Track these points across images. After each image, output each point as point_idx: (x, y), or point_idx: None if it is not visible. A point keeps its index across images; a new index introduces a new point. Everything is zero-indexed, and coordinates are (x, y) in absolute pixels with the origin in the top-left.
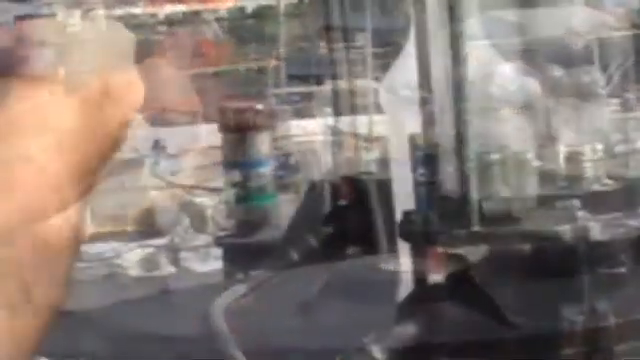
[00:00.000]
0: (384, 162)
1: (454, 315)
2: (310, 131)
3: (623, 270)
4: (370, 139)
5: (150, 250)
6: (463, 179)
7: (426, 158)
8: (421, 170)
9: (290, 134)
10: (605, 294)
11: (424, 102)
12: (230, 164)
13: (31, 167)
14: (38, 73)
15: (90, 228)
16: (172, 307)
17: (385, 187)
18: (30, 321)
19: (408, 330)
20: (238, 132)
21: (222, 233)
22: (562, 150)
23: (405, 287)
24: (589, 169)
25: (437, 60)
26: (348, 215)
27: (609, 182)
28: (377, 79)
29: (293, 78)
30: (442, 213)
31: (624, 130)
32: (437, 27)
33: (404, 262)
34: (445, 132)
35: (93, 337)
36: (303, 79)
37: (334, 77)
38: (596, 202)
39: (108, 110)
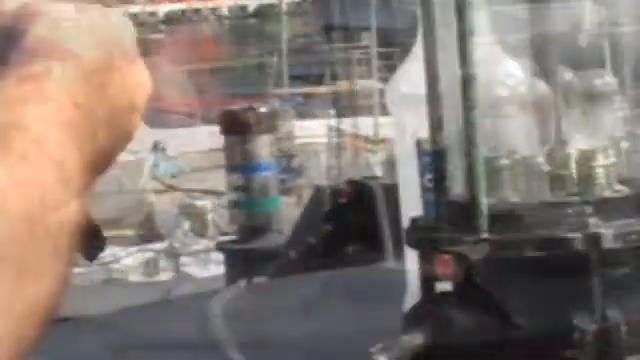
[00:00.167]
0: (390, 165)
1: (462, 321)
2: (313, 133)
3: (635, 278)
4: (375, 141)
5: (150, 255)
6: (471, 184)
7: (434, 163)
8: (428, 175)
9: (292, 136)
10: (616, 302)
11: (431, 105)
12: (232, 167)
13: (26, 135)
14: (38, 46)
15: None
16: (175, 313)
17: (391, 192)
18: (22, 316)
19: (415, 339)
20: (239, 135)
21: (223, 238)
22: (572, 155)
23: (412, 294)
24: (600, 174)
25: (445, 62)
26: (353, 221)
27: (621, 188)
28: (382, 79)
29: (295, 78)
30: (450, 219)
31: (637, 134)
32: (445, 27)
33: (411, 269)
34: (453, 136)
35: (96, 343)
36: (305, 79)
37: (337, 77)
38: (607, 208)
39: (112, 88)
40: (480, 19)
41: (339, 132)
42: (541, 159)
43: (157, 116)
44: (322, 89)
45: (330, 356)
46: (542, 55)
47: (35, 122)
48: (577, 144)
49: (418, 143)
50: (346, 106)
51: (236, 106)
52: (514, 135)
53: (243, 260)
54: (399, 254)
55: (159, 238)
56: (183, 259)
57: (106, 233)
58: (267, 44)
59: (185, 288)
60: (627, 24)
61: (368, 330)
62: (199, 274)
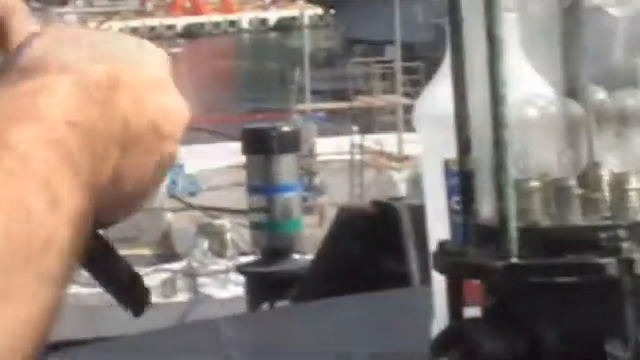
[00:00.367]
0: (415, 184)
1: (491, 348)
2: (335, 150)
3: None
4: (399, 158)
5: (167, 275)
6: (501, 207)
7: (461, 184)
8: (456, 197)
9: (314, 153)
10: None
11: (459, 125)
12: (254, 188)
13: (13, 154)
14: (34, 62)
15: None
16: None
17: (418, 213)
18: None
19: None
20: (262, 154)
21: (244, 259)
22: (605, 177)
23: (440, 320)
24: (634, 198)
25: (473, 80)
26: (379, 243)
27: None
28: (407, 94)
29: (317, 93)
30: (479, 243)
31: None
32: (474, 44)
33: (439, 293)
34: (482, 157)
35: None
36: (327, 94)
37: (360, 92)
38: None
39: (122, 105)
40: (510, 36)
41: (362, 149)
42: (573, 182)
43: None
44: (344, 105)
45: None
46: (574, 73)
47: (24, 141)
48: (610, 166)
49: (445, 164)
50: (369, 122)
51: (259, 125)
52: (545, 157)
53: (265, 283)
54: (426, 278)
55: (176, 258)
56: (201, 279)
57: (122, 252)
58: (288, 58)
59: (203, 310)
60: None
61: (395, 356)
62: (218, 295)
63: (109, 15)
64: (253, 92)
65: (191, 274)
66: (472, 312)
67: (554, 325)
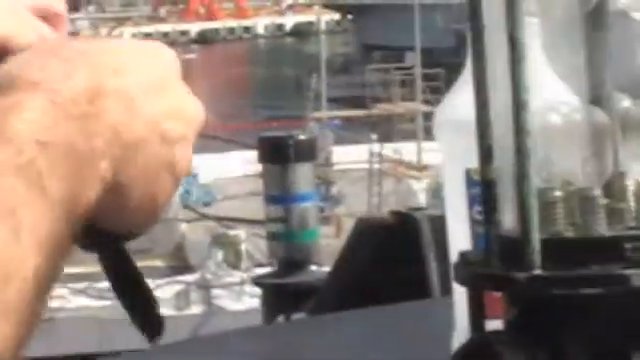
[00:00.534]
0: (435, 194)
1: None
2: (352, 158)
3: None
4: (419, 167)
5: (180, 287)
6: (523, 217)
7: (483, 194)
8: (477, 207)
9: (331, 162)
10: None
11: (481, 133)
12: (270, 198)
13: None
14: (7, 77)
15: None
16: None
17: (438, 224)
18: None
19: None
20: (278, 164)
21: (259, 270)
22: (631, 187)
23: (461, 333)
24: None
25: (495, 87)
26: (397, 255)
27: None
28: (427, 102)
29: (334, 101)
30: (501, 254)
31: None
32: (495, 49)
33: (459, 306)
34: (504, 166)
35: None
36: (345, 101)
37: (378, 99)
38: None
39: (108, 117)
40: (532, 41)
41: (380, 158)
42: (597, 191)
43: None
44: (362, 112)
45: None
46: (598, 80)
47: None
48: (635, 176)
49: (467, 172)
50: (388, 130)
51: (275, 133)
52: (569, 165)
53: (281, 295)
54: (447, 290)
55: (190, 269)
56: (215, 292)
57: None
58: (305, 65)
59: (217, 322)
60: None
61: None
62: (232, 307)
63: (121, 21)
64: (268, 99)
65: (205, 286)
66: (494, 325)
67: (578, 338)
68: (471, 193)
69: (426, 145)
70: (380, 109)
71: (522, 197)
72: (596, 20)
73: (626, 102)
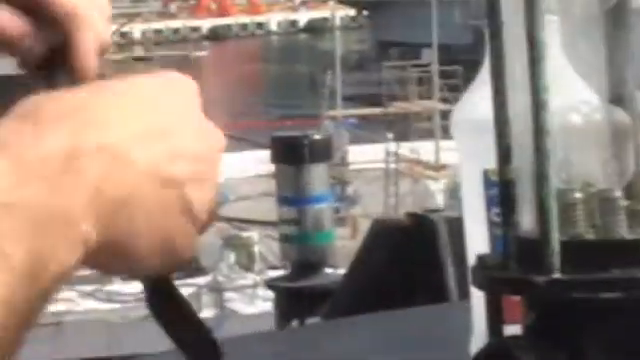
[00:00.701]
0: (453, 195)
1: None
2: (368, 158)
3: None
4: (436, 167)
5: (192, 290)
6: (543, 219)
7: (501, 195)
8: (496, 209)
9: (346, 161)
10: None
11: (499, 133)
12: (284, 199)
13: None
14: None
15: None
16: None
17: (456, 226)
18: None
19: None
20: (292, 164)
21: (272, 273)
22: None
23: (479, 337)
24: None
25: (514, 86)
26: (414, 258)
27: None
28: (444, 100)
29: (349, 99)
30: (519, 257)
31: None
32: (514, 47)
33: (477, 310)
34: (523, 166)
35: None
36: (360, 99)
37: (396, 98)
38: None
39: (84, 176)
40: (552, 39)
41: (397, 157)
42: (618, 193)
43: None
44: (378, 110)
45: None
46: (619, 79)
47: None
48: None
49: (485, 173)
50: (404, 129)
51: (288, 132)
52: (589, 166)
53: (295, 298)
54: (464, 293)
55: (202, 272)
56: (227, 294)
57: None
58: (319, 62)
59: (229, 326)
60: None
61: None
62: (245, 311)
63: (131, 17)
64: (282, 97)
65: (217, 289)
66: (512, 330)
67: (598, 342)
68: (489, 194)
69: (444, 144)
70: (396, 107)
71: (541, 198)
72: (616, 18)
73: None
